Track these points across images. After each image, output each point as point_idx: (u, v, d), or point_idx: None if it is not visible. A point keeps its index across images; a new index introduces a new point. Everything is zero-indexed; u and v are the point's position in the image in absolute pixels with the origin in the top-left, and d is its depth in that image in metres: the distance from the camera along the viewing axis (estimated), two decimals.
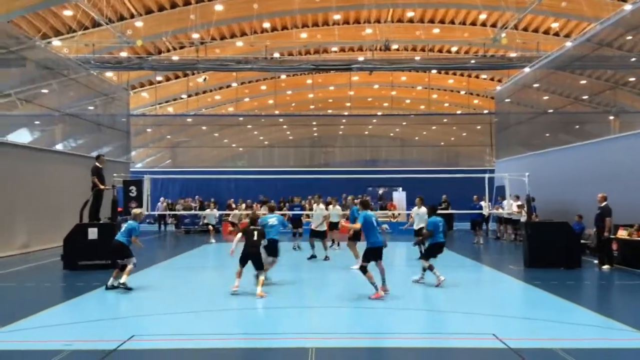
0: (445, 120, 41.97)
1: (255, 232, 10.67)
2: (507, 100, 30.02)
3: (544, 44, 32.57)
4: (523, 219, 16.84)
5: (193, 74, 40.77)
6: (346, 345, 7.08)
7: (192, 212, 27.06)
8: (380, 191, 34.06)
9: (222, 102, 51.07)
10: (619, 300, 10.89)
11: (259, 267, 10.43)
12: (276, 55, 36.54)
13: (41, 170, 19.69)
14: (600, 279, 12.95)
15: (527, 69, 26.25)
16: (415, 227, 16.14)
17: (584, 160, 19.35)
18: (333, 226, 17.10)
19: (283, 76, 45.62)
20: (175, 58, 33.88)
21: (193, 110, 44.32)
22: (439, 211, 13.26)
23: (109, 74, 32.45)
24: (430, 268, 11.30)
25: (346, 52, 42.69)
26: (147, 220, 30.90)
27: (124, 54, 32.43)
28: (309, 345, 6.81)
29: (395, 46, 37.78)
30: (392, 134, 41.08)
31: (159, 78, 41.92)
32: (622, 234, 14.69)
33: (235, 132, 40.88)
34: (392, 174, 31.34)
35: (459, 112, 49.15)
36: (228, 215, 25.48)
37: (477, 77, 47.51)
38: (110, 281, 10.74)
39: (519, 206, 19.50)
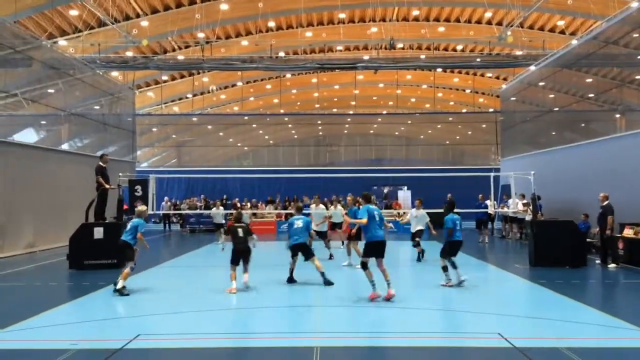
0: (450, 118, 41.90)
1: (240, 230, 10.86)
2: (512, 98, 29.92)
3: (550, 42, 32.45)
4: (528, 217, 16.80)
5: (198, 73, 40.88)
6: (351, 344, 7.08)
7: (197, 211, 27.11)
8: (386, 190, 34.04)
9: (227, 101, 51.15)
10: (624, 299, 10.84)
11: (246, 260, 10.87)
12: (281, 54, 36.57)
13: (47, 169, 19.78)
14: (605, 278, 12.90)
15: (532, 67, 26.15)
16: (413, 229, 15.85)
17: (590, 159, 19.27)
18: (335, 226, 17.09)
19: (288, 75, 45.64)
20: (180, 57, 33.96)
21: (198, 110, 44.41)
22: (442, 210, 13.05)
23: (115, 74, 32.55)
24: (445, 269, 11.05)
25: (351, 50, 42.71)
26: (153, 220, 31.00)
27: (129, 54, 32.52)
28: (313, 344, 6.81)
29: (400, 45, 37.78)
30: (397, 133, 41.03)
31: (164, 77, 42.03)
32: (628, 232, 14.64)
33: (241, 131, 40.93)
34: (397, 173, 31.39)
35: (464, 110, 49.09)
36: (231, 214, 25.54)
37: (482, 75, 47.41)
38: (121, 284, 10.29)
39: (524, 204, 19.45)
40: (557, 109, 24.72)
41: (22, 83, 21.32)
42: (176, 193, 32.52)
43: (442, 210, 12.30)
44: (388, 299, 9.40)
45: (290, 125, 41.08)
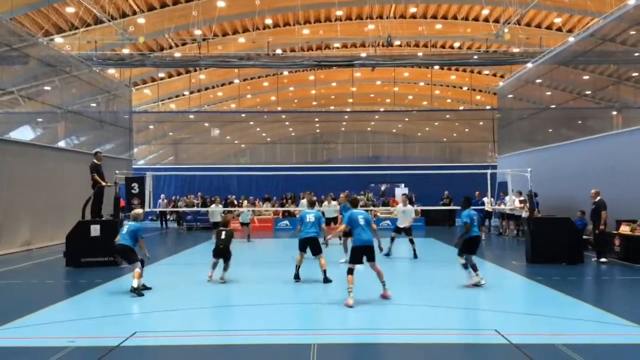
0: (447, 116, 41.98)
1: (223, 232, 11.72)
2: (509, 95, 29.94)
3: (547, 40, 32.52)
4: (525, 214, 16.83)
5: (195, 70, 40.83)
6: (348, 341, 7.10)
7: (195, 209, 27.06)
8: (383, 187, 34.09)
9: (224, 98, 51.09)
10: (621, 295, 10.87)
11: (226, 258, 11.57)
12: (278, 51, 36.58)
13: (43, 167, 19.73)
14: (602, 275, 12.94)
15: (529, 65, 26.18)
16: (400, 224, 15.88)
17: (587, 156, 19.31)
18: (329, 222, 17.16)
19: (285, 72, 45.61)
20: (177, 55, 33.91)
21: (195, 107, 44.34)
22: (441, 207, 13.04)
23: (111, 71, 32.49)
24: (465, 266, 10.75)
25: (348, 48, 42.70)
26: (150, 217, 30.97)
27: (126, 51, 32.50)
28: (311, 341, 6.83)
29: (397, 42, 37.75)
30: (394, 130, 41.06)
31: (161, 75, 41.96)
32: (624, 229, 14.70)
33: (238, 128, 40.90)
34: (394, 170, 31.44)
35: (461, 108, 49.16)
36: (231, 212, 25.52)
37: (479, 72, 47.46)
38: (136, 283, 10.01)
39: (521, 202, 19.48)
40: (554, 106, 24.75)
41: (18, 80, 21.25)
42: (173, 191, 32.46)
43: (439, 207, 12.28)
44: (384, 297, 9.36)
45: (287, 123, 41.06)
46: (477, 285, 10.62)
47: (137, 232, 10.51)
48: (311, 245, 11.39)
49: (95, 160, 14.94)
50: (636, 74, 19.57)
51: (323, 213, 16.39)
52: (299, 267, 11.48)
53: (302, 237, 11.42)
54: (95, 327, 7.87)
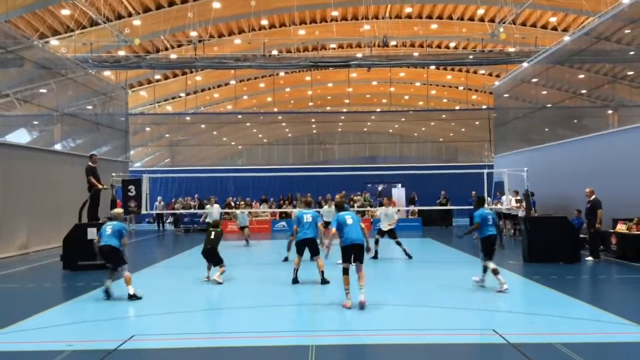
0: (443, 116, 42.04)
1: (213, 233, 11.90)
2: (505, 95, 29.98)
3: (542, 39, 32.61)
4: (522, 214, 16.87)
5: (191, 72, 40.80)
6: (346, 342, 7.09)
7: (191, 210, 27.00)
8: (380, 188, 34.10)
9: (220, 100, 51.08)
10: (618, 294, 10.89)
11: (214, 262, 11.78)
12: (274, 52, 36.56)
13: (40, 170, 19.67)
14: (599, 274, 12.98)
15: (525, 64, 26.21)
16: (383, 226, 15.62)
17: (583, 155, 19.34)
18: (328, 224, 17.12)
19: (281, 73, 45.65)
20: (173, 56, 33.88)
21: (191, 109, 44.32)
22: (438, 207, 13.01)
23: (107, 73, 32.43)
24: (495, 272, 10.15)
25: (344, 48, 42.76)
26: (147, 220, 30.94)
27: (122, 53, 32.43)
28: (309, 343, 6.82)
29: (393, 42, 37.85)
30: (391, 131, 41.11)
31: (157, 77, 41.92)
32: (621, 228, 14.75)
33: (234, 130, 40.88)
34: (391, 171, 31.46)
35: (457, 107, 49.25)
36: (228, 214, 25.50)
37: (475, 72, 47.56)
38: (132, 289, 9.86)
39: (517, 201, 19.51)
40: (549, 105, 24.79)
41: (13, 83, 21.20)
42: (170, 193, 32.41)
43: (436, 207, 12.26)
44: (360, 304, 8.75)
45: (284, 124, 41.07)
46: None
47: (122, 231, 10.19)
48: (309, 246, 11.38)
49: (90, 163, 14.90)
50: (632, 73, 19.62)
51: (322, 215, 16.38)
52: (297, 270, 11.41)
53: (300, 238, 11.39)
54: (93, 331, 7.85)
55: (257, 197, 30.10)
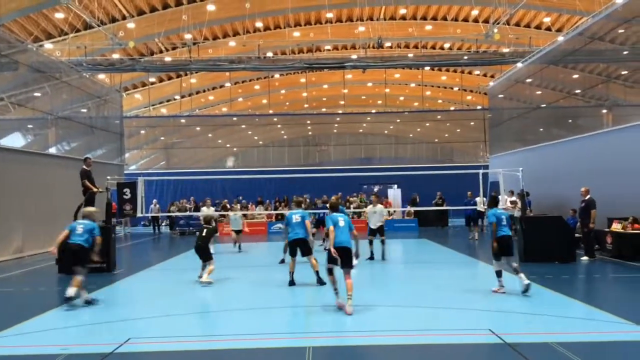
0: (439, 116, 42.11)
1: (205, 230, 11.98)
2: (500, 95, 30.07)
3: (536, 39, 32.71)
4: (517, 213, 16.89)
5: (186, 74, 40.76)
6: (343, 344, 7.09)
7: (187, 213, 26.93)
8: (376, 189, 34.07)
9: (215, 102, 51.05)
10: (613, 293, 10.93)
11: (203, 259, 11.87)
12: (269, 54, 36.60)
13: (34, 174, 19.60)
14: (594, 273, 13.00)
15: (519, 64, 26.31)
16: (372, 225, 15.54)
17: (578, 154, 19.41)
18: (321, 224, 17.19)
19: (276, 75, 45.66)
20: (167, 59, 33.85)
21: (186, 111, 44.26)
22: (434, 207, 12.98)
23: (102, 76, 32.37)
24: (516, 270, 9.85)
25: (339, 50, 42.79)
26: (142, 223, 30.87)
27: (116, 56, 32.39)
28: (306, 344, 6.81)
29: (388, 44, 37.87)
30: (386, 132, 41.15)
31: (151, 79, 41.88)
32: (616, 227, 14.79)
33: (229, 132, 40.85)
34: (386, 172, 31.47)
35: (452, 108, 49.32)
36: (223, 216, 25.40)
37: (470, 73, 47.66)
38: (74, 291, 9.39)
39: (511, 202, 19.55)
40: (544, 105, 24.87)
41: (7, 87, 21.14)
42: (165, 195, 32.33)
43: (432, 208, 12.24)
44: (347, 312, 8.52)
45: (279, 126, 41.06)
46: (522, 291, 9.79)
47: (94, 230, 9.94)
48: (300, 246, 11.34)
49: (85, 167, 14.86)
50: (625, 72, 19.70)
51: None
52: (293, 272, 11.35)
53: (291, 238, 11.35)
54: (89, 334, 7.82)
55: (253, 199, 30.07)
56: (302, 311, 9.23)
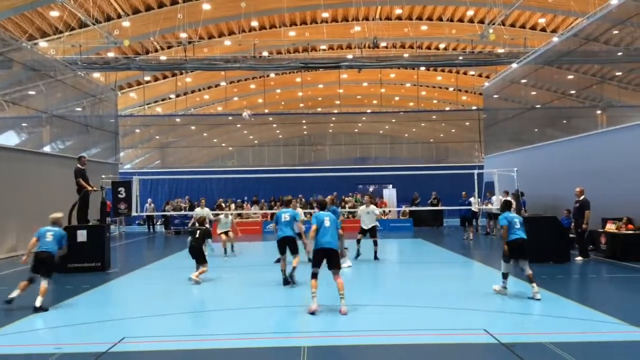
0: (434, 117, 42.14)
1: (198, 232, 12.16)
2: (495, 96, 30.15)
3: (531, 40, 32.82)
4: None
5: (181, 73, 40.66)
6: (338, 343, 7.08)
7: (182, 212, 26.88)
8: (371, 189, 34.15)
9: (210, 101, 50.96)
10: (608, 293, 10.96)
11: (198, 260, 11.93)
12: (265, 53, 36.52)
13: (29, 172, 19.53)
14: (589, 273, 13.05)
15: (514, 65, 26.38)
16: (364, 225, 15.55)
17: (572, 155, 19.48)
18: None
19: (272, 75, 45.59)
20: (163, 58, 33.75)
21: (181, 110, 44.17)
22: (429, 207, 12.99)
23: (97, 75, 32.25)
24: (530, 280, 9.65)
25: (335, 50, 42.79)
26: (137, 222, 30.78)
27: (111, 55, 32.27)
28: (300, 344, 6.81)
29: (383, 44, 37.94)
30: (381, 132, 41.16)
31: (147, 78, 41.76)
32: (610, 227, 14.85)
33: (225, 131, 40.79)
34: (382, 172, 31.50)
35: (447, 108, 49.39)
36: (217, 214, 25.32)
37: (465, 73, 47.75)
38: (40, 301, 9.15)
39: None
40: (539, 106, 24.95)
41: (2, 85, 21.06)
42: (160, 194, 32.26)
43: (427, 208, 12.25)
44: (341, 313, 8.48)
45: (274, 125, 41.03)
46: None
47: (63, 240, 9.87)
48: (289, 244, 11.32)
49: (79, 165, 14.81)
50: (620, 73, 19.78)
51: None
52: (285, 271, 11.32)
53: (279, 236, 11.37)
54: (83, 333, 7.78)
55: (248, 199, 30.06)
56: (296, 310, 9.21)
